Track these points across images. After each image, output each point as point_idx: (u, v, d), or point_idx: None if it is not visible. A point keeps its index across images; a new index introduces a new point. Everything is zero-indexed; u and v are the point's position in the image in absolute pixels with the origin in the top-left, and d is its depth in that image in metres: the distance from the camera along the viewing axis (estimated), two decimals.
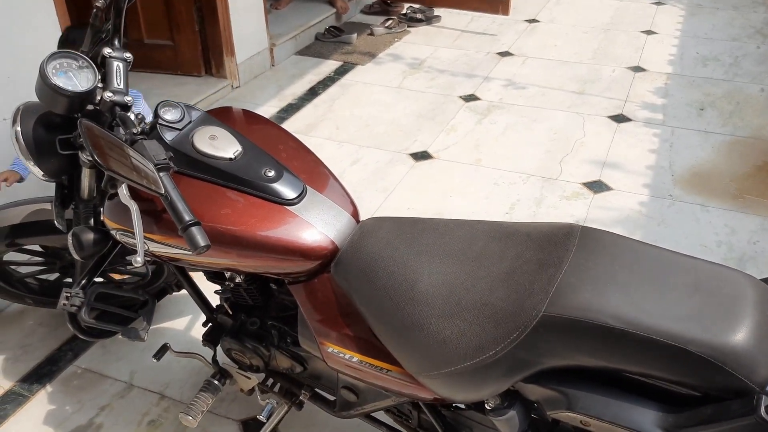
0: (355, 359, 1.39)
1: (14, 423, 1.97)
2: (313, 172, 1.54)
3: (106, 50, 1.43)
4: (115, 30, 1.47)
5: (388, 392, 1.48)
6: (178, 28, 3.69)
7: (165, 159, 1.24)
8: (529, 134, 3.37)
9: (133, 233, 1.43)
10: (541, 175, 3.00)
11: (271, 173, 1.43)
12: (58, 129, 1.49)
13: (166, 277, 2.13)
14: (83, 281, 1.65)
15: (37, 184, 2.40)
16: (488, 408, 1.26)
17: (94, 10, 1.45)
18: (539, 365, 1.14)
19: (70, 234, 1.53)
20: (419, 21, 4.99)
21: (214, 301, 1.82)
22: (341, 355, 1.42)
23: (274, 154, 1.51)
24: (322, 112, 3.68)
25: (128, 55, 1.46)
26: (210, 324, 1.82)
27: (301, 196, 1.44)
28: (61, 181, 1.61)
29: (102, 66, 1.44)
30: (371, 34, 4.79)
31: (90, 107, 1.46)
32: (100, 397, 2.06)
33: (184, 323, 2.29)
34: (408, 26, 4.94)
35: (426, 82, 4.01)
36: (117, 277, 2.27)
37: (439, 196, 2.85)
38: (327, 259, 1.42)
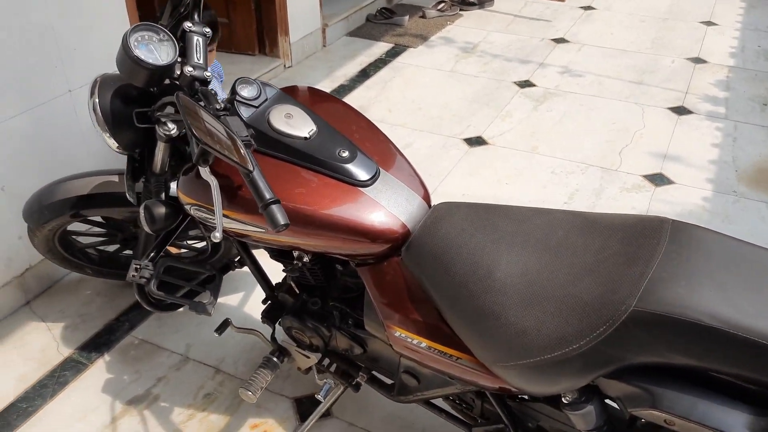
0: (423, 345, 1.38)
1: (73, 389, 2.01)
2: (385, 154, 1.52)
3: (186, 24, 1.43)
4: (194, 3, 1.46)
5: (452, 379, 1.46)
6: (235, 5, 3.69)
7: (247, 136, 1.23)
8: (587, 123, 3.29)
9: (207, 208, 1.43)
10: (600, 165, 2.93)
11: (345, 154, 1.42)
12: (135, 102, 1.50)
13: (224, 253, 2.14)
14: (152, 254, 1.66)
15: (102, 156, 2.43)
16: (565, 402, 1.23)
17: None
18: (624, 361, 1.10)
19: (141, 207, 1.55)
20: (471, 4, 4.91)
21: (274, 278, 1.83)
22: (408, 339, 1.40)
23: (347, 135, 1.50)
24: (374, 94, 3.65)
25: (207, 29, 1.45)
26: (270, 301, 1.83)
27: (374, 177, 1.42)
28: (133, 154, 1.61)
29: (181, 40, 1.44)
30: (423, 16, 4.73)
31: (167, 81, 1.46)
32: (156, 368, 2.08)
33: (242, 299, 2.30)
34: (460, 9, 4.86)
35: (479, 66, 3.95)
36: (174, 250, 2.29)
37: (494, 182, 2.81)
38: (398, 242, 1.40)
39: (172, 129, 1.48)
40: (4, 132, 2.09)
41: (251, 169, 1.13)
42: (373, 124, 1.60)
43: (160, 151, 1.54)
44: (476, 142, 3.14)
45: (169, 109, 1.45)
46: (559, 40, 4.34)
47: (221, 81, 2.18)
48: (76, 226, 2.19)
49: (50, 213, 1.91)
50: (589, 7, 4.96)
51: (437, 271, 1.33)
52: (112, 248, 2.29)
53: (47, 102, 2.21)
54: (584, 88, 3.67)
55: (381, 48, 4.21)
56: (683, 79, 3.78)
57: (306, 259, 1.57)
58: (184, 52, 1.43)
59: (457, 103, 3.51)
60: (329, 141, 1.44)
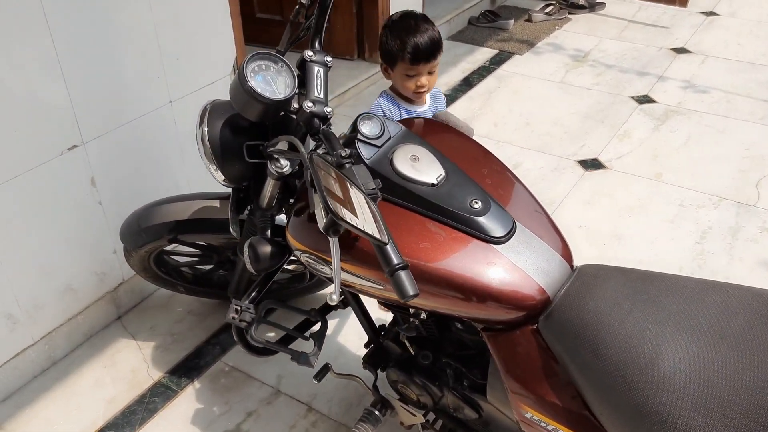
0: None
1: (162, 418, 1.93)
2: (521, 203, 1.32)
3: (307, 53, 1.27)
4: (317, 29, 1.30)
5: None
6: (335, 8, 3.55)
7: (374, 189, 1.07)
8: (716, 148, 2.96)
9: (319, 257, 1.28)
10: (734, 199, 2.61)
11: (478, 204, 1.23)
12: (246, 133, 1.36)
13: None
14: (253, 294, 1.53)
15: (201, 171, 2.35)
16: None
17: (297, 7, 1.29)
18: None
19: (246, 244, 1.42)
20: (581, 8, 4.59)
21: (378, 319, 1.67)
22: (542, 423, 1.21)
23: (478, 180, 1.31)
24: (478, 105, 3.43)
25: (329, 59, 1.29)
26: (373, 345, 1.67)
27: (510, 233, 1.23)
28: (239, 186, 1.49)
29: (300, 69, 1.28)
30: (529, 20, 4.46)
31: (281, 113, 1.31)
32: (247, 400, 1.97)
33: (342, 338, 2.15)
34: (569, 13, 4.56)
35: (592, 77, 3.66)
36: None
37: (615, 214, 2.55)
38: (535, 310, 1.21)
39: (285, 167, 1.34)
40: (105, 145, 2.02)
41: (386, 241, 0.96)
42: (505, 166, 1.40)
43: (269, 187, 1.41)
44: (592, 165, 2.87)
45: (282, 145, 1.31)
46: (680, 50, 3.98)
47: (438, 109, 1.89)
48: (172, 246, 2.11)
49: (148, 236, 1.83)
50: (711, 13, 4.55)
51: (584, 351, 1.12)
52: (207, 267, 2.20)
53: (147, 114, 2.13)
54: (711, 106, 3.32)
55: (484, 54, 3.98)
56: None
57: (423, 315, 1.40)
58: (303, 83, 1.28)
59: (569, 119, 3.24)
60: (459, 188, 1.26)
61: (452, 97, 3.46)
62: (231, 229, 1.53)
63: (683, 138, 3.04)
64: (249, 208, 1.54)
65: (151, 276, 2.09)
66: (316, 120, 1.24)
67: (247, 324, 1.48)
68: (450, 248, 1.22)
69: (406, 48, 1.70)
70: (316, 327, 1.55)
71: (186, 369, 2.08)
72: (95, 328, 2.21)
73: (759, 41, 4.06)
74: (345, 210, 0.93)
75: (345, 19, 3.57)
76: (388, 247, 1.03)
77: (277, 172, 1.33)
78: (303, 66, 1.28)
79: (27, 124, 1.79)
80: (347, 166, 1.10)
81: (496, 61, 3.89)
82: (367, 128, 1.29)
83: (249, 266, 1.41)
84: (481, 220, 1.22)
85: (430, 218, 1.25)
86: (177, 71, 2.19)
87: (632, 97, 3.43)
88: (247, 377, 2.05)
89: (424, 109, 1.87)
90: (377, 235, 0.94)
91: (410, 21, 1.74)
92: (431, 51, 1.73)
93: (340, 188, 0.97)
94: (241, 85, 1.21)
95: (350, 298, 1.62)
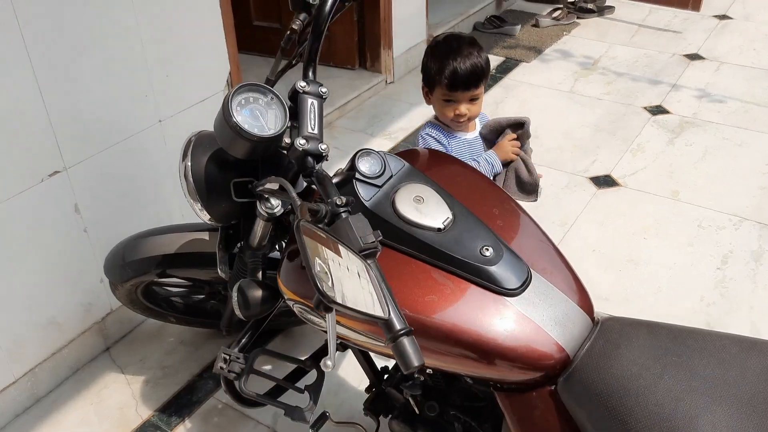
0: None
1: None
2: (536, 249, 1.20)
3: (299, 84, 1.14)
4: (310, 57, 1.18)
5: None
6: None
7: (374, 243, 0.94)
8: (735, 162, 2.82)
9: (311, 308, 1.15)
10: (756, 219, 2.47)
11: (489, 252, 1.11)
12: (234, 169, 1.24)
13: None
14: (243, 340, 1.41)
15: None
16: None
17: (288, 33, 1.17)
18: None
19: (235, 288, 1.29)
20: (590, 12, 4.46)
21: (379, 362, 1.55)
22: None
23: (489, 222, 1.18)
24: None
25: (324, 89, 1.17)
26: (374, 390, 1.55)
27: (524, 284, 1.11)
28: (227, 224, 1.36)
29: (292, 101, 1.16)
30: (536, 25, 4.32)
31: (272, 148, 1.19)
32: None
33: (342, 381, 2.01)
34: (577, 18, 4.42)
35: (602, 86, 3.52)
36: None
37: (629, 235, 2.41)
38: (553, 370, 1.08)
39: (276, 207, 1.22)
40: (89, 169, 1.90)
41: (386, 317, 0.84)
42: (520, 208, 1.27)
43: (260, 228, 1.28)
44: (605, 182, 2.74)
45: (274, 184, 1.18)
46: (693, 56, 3.84)
47: (485, 165, 1.70)
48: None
49: (133, 271, 1.70)
50: (724, 17, 4.40)
51: (610, 420, 1.01)
52: (197, 296, 2.08)
53: (135, 134, 2.00)
54: (727, 117, 3.18)
55: (491, 62, 3.83)
56: None
57: (429, 371, 1.27)
58: (296, 116, 1.15)
59: (579, 132, 3.10)
60: (468, 233, 1.14)
61: None
62: (219, 270, 1.40)
63: (700, 152, 2.90)
64: (239, 245, 1.42)
65: (140, 308, 1.97)
66: (309, 158, 1.11)
67: (236, 375, 1.36)
68: (458, 301, 1.10)
69: (444, 72, 1.60)
70: (312, 377, 1.43)
71: (177, 406, 1.96)
72: (82, 361, 2.09)
73: None
74: (339, 280, 0.81)
75: (346, 26, 3.43)
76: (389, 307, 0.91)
77: (267, 213, 1.21)
78: (295, 97, 1.15)
79: (2, 150, 1.67)
80: (343, 215, 0.97)
81: (503, 70, 3.76)
82: (366, 166, 1.17)
83: (237, 312, 1.29)
84: (493, 269, 1.10)
85: (437, 267, 1.12)
86: (167, 89, 2.06)
87: (645, 108, 3.29)
88: (242, 416, 1.92)
89: (474, 135, 1.76)
90: (376, 312, 0.82)
91: (453, 43, 1.64)
92: (471, 79, 1.62)
93: (333, 253, 0.84)
94: (225, 120, 1.08)
95: (350, 342, 1.50)
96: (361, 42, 3.46)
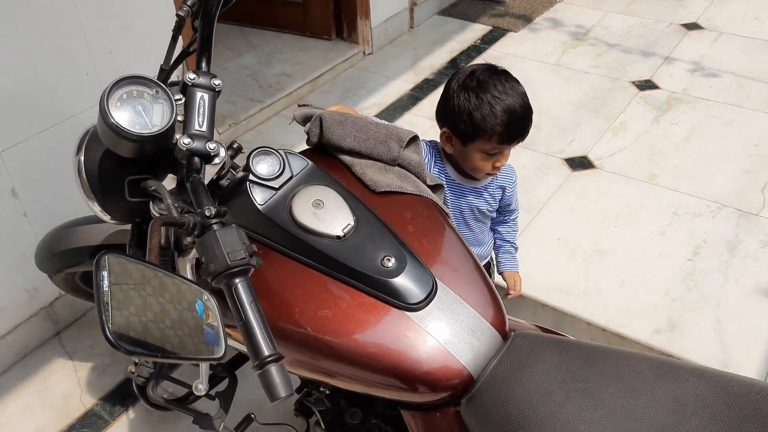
0: None
1: None
2: (448, 257, 1.11)
3: (188, 75, 1.05)
4: (203, 46, 1.08)
5: None
6: None
7: (244, 259, 0.86)
8: (721, 143, 2.69)
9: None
10: (736, 206, 2.35)
11: (391, 262, 1.03)
12: (131, 165, 1.15)
13: None
14: None
15: None
16: None
17: (176, 20, 1.07)
18: None
19: None
20: None
21: None
22: None
23: (398, 228, 1.10)
24: None
25: (217, 81, 1.07)
26: (306, 390, 1.49)
27: (428, 298, 1.03)
28: (134, 221, 1.29)
29: (183, 94, 1.07)
30: None
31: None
32: None
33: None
34: None
35: (590, 59, 3.37)
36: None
37: (599, 223, 2.30)
38: (455, 391, 1.01)
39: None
40: (25, 152, 1.83)
41: (219, 357, 0.76)
42: (437, 207, 1.19)
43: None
44: (580, 164, 2.62)
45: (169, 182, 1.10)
46: (691, 26, 3.65)
47: (506, 189, 1.59)
48: None
49: (63, 262, 1.64)
50: None
51: None
52: None
53: (76, 115, 1.92)
54: (720, 93, 3.03)
55: (476, 32, 3.69)
56: None
57: (326, 391, 1.21)
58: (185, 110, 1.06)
59: (560, 109, 2.97)
60: (371, 242, 1.06)
61: (436, 82, 3.20)
62: None
63: (685, 131, 2.77)
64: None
65: (83, 294, 1.91)
66: (196, 159, 1.03)
67: (144, 380, 1.30)
68: (354, 317, 1.02)
69: (497, 121, 1.35)
70: (224, 384, 1.37)
71: (121, 396, 1.93)
72: (30, 347, 2.05)
73: None
74: (160, 322, 0.73)
75: None
76: (257, 332, 0.84)
77: (160, 213, 1.13)
78: (185, 90, 1.06)
79: None
80: (215, 227, 0.89)
81: (488, 40, 3.60)
82: (262, 166, 1.09)
83: None
84: (395, 281, 1.02)
85: (335, 278, 1.05)
86: (110, 66, 1.97)
87: (633, 82, 3.14)
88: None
89: (483, 184, 1.57)
90: (211, 354, 0.74)
91: (497, 82, 1.38)
92: (528, 125, 1.42)
93: (158, 290, 0.76)
94: (102, 119, 0.99)
95: None
96: (337, 10, 3.32)
